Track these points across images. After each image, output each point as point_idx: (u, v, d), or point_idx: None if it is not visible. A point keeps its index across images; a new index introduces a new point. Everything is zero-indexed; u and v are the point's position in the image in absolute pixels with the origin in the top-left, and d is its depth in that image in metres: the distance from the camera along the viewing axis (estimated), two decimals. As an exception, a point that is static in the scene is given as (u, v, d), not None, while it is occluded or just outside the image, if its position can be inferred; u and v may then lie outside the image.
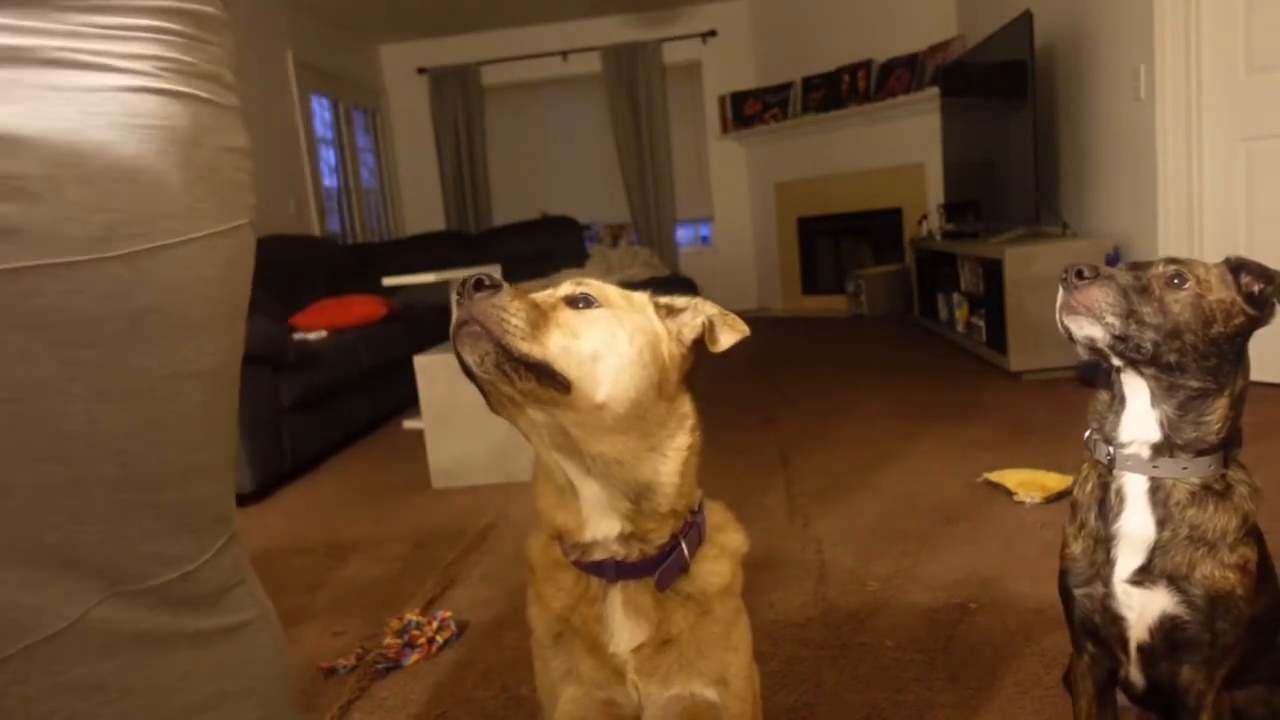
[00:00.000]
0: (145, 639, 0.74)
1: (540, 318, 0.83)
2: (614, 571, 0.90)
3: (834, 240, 6.89)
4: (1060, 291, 1.05)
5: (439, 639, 1.80)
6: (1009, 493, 2.36)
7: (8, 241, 0.62)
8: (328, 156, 6.42)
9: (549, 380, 0.81)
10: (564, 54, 7.06)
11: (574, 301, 0.88)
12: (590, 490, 0.88)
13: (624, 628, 0.91)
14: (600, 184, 7.38)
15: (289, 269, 4.74)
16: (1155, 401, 1.00)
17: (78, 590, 0.70)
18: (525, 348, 0.79)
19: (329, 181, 6.38)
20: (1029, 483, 2.36)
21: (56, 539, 0.69)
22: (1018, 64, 3.98)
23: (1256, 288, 0.98)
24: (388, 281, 3.76)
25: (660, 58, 7.05)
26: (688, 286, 5.76)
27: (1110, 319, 0.98)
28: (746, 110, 6.88)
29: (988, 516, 2.25)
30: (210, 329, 0.75)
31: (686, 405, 0.92)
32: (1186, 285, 0.97)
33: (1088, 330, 1.00)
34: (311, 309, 4.28)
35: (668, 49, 7.06)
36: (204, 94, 0.72)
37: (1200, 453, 1.00)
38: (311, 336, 3.97)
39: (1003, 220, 4.32)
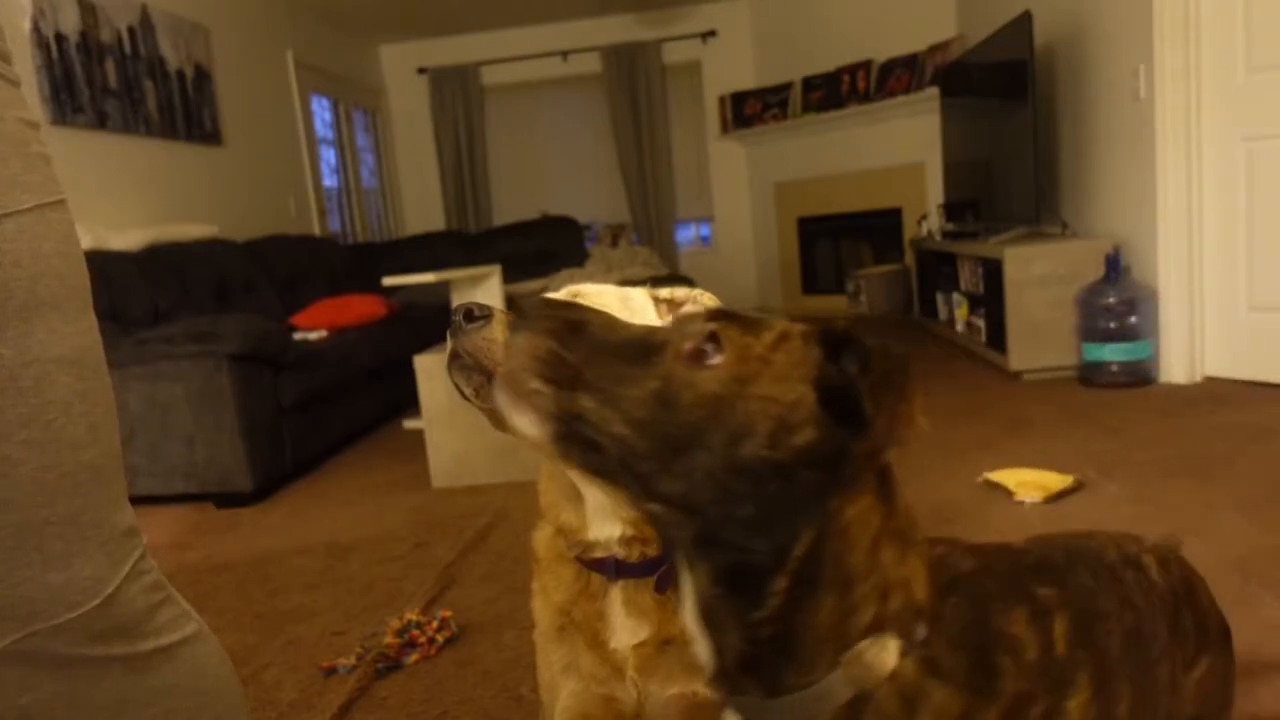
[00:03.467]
0: (70, 668, 0.68)
1: None
2: (614, 570, 0.90)
3: (834, 240, 6.89)
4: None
5: (439, 639, 1.80)
6: (1009, 493, 2.36)
7: None
8: (328, 156, 6.42)
9: None
10: (564, 54, 7.06)
11: None
12: (596, 497, 0.89)
13: (624, 625, 0.91)
14: (600, 184, 7.38)
15: (289, 269, 4.75)
16: (689, 572, 0.62)
17: None
18: None
19: (329, 181, 6.38)
20: (1029, 483, 2.36)
21: None
22: (1017, 64, 3.98)
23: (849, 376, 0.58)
24: (388, 281, 3.75)
25: (660, 58, 7.05)
26: (687, 286, 5.76)
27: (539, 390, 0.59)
28: (746, 110, 6.88)
29: (988, 516, 2.25)
30: (60, 309, 0.70)
31: None
32: (715, 359, 0.58)
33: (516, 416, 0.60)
34: (311, 309, 4.28)
35: (668, 49, 7.06)
36: (1, 71, 0.71)
37: (774, 685, 0.61)
38: (311, 336, 3.97)
39: (1003, 220, 4.32)
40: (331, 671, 1.73)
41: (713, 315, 0.61)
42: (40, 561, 0.66)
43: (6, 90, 0.70)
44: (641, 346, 0.60)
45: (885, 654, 0.60)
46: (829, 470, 0.57)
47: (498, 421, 0.84)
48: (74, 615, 0.68)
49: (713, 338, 0.58)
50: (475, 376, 0.81)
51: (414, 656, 1.75)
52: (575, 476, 0.88)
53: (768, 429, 0.56)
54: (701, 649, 0.64)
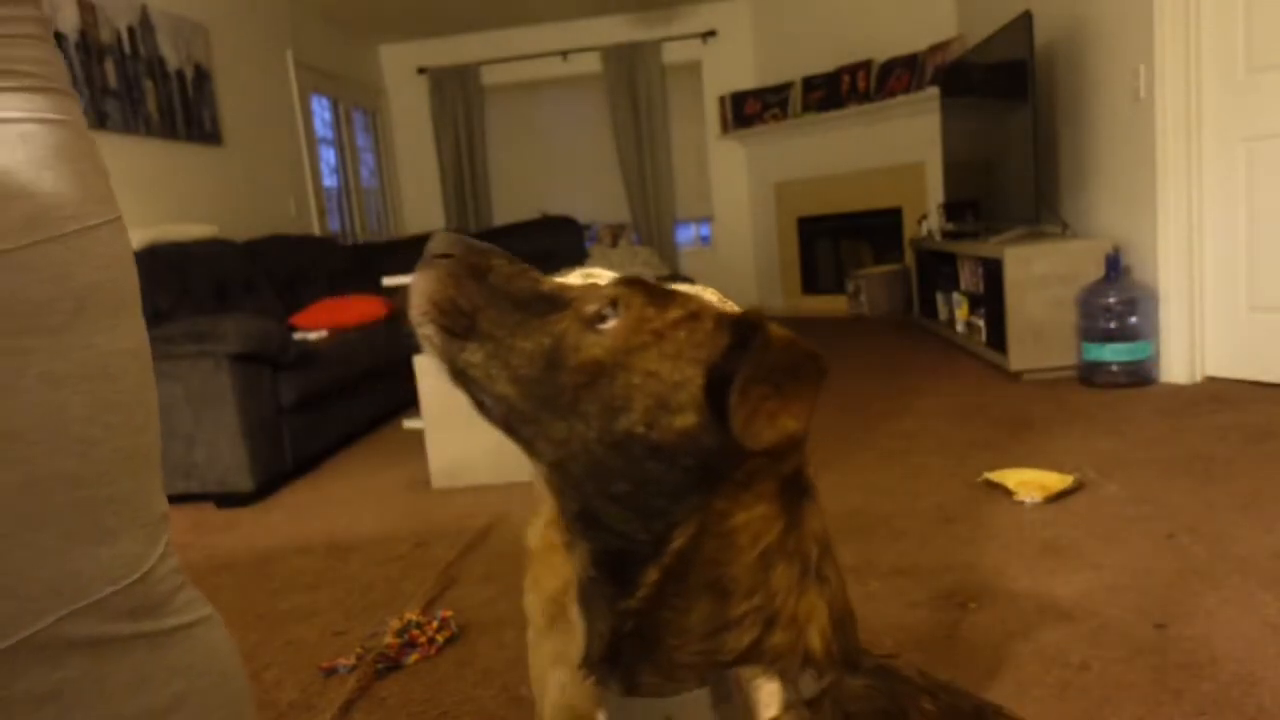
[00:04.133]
0: (101, 646, 0.71)
1: None
2: None
3: (834, 240, 6.89)
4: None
5: (439, 639, 1.80)
6: (1009, 493, 2.36)
7: None
8: (328, 156, 6.42)
9: None
10: (564, 54, 7.06)
11: None
12: None
13: None
14: (600, 184, 7.38)
15: (289, 269, 4.74)
16: (574, 551, 0.60)
17: (28, 610, 0.67)
18: None
19: (329, 181, 6.38)
20: (1029, 483, 2.36)
21: (4, 549, 0.66)
22: (1017, 64, 3.98)
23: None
24: (388, 281, 3.75)
25: (660, 58, 7.05)
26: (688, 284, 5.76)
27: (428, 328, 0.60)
28: (746, 110, 6.88)
29: (988, 516, 2.25)
30: (133, 307, 0.77)
31: None
32: (609, 322, 0.56)
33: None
34: (311, 309, 4.28)
35: (668, 49, 7.05)
36: (70, 90, 0.75)
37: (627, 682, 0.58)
38: (311, 336, 3.97)
39: (1003, 220, 4.32)
40: (331, 671, 1.73)
41: (623, 281, 0.58)
42: (96, 538, 0.71)
43: (77, 105, 0.75)
44: (545, 300, 0.58)
45: (764, 697, 0.54)
46: (711, 464, 0.53)
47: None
48: (114, 590, 0.72)
49: (614, 302, 0.55)
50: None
51: (414, 656, 1.75)
52: None
53: (644, 405, 0.53)
54: (578, 633, 0.61)
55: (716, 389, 0.53)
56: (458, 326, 0.57)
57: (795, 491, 0.57)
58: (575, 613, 0.62)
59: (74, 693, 0.70)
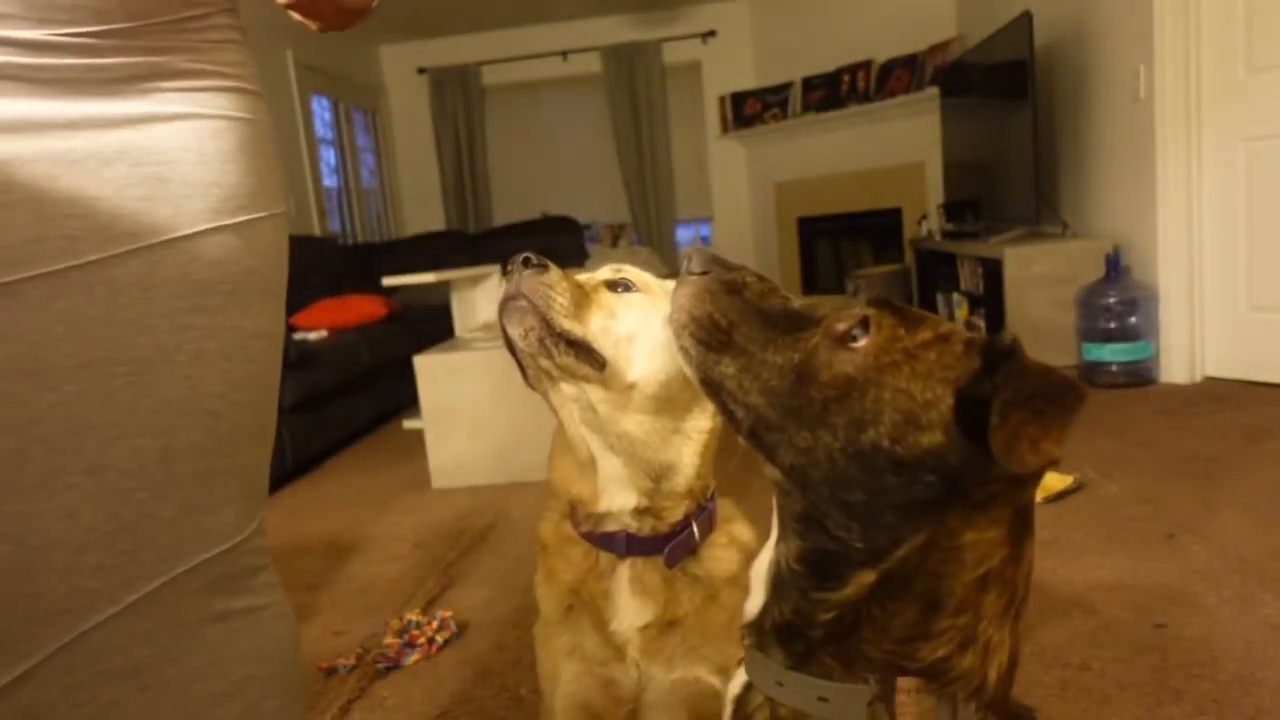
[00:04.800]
0: (182, 624, 0.74)
1: (583, 298, 0.88)
2: (624, 546, 0.91)
3: (834, 240, 6.89)
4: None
5: (439, 639, 1.80)
6: (1009, 493, 2.36)
7: (138, 222, 0.68)
8: (328, 156, 6.42)
9: (587, 357, 0.85)
10: (564, 54, 7.05)
11: (614, 286, 0.92)
12: (612, 466, 0.90)
13: (629, 605, 0.92)
14: (600, 184, 7.37)
15: (289, 269, 4.73)
16: (781, 541, 0.63)
17: (140, 575, 0.70)
18: (568, 325, 0.84)
19: (329, 181, 6.38)
20: (1029, 483, 2.36)
21: (133, 517, 0.69)
22: (1018, 64, 3.98)
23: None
24: (388, 281, 3.75)
25: (660, 58, 7.04)
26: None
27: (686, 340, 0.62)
28: (746, 110, 6.88)
29: (988, 516, 2.25)
30: (278, 296, 0.83)
31: None
32: (861, 341, 0.58)
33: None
34: (311, 309, 4.28)
35: (668, 49, 7.05)
36: (260, 90, 0.82)
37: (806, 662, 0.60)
38: (311, 336, 3.97)
39: (1003, 220, 4.32)
40: (331, 671, 1.73)
41: (874, 301, 0.60)
42: (203, 506, 0.74)
43: (264, 104, 0.82)
44: (795, 317, 0.61)
45: (918, 711, 0.56)
46: (952, 482, 0.55)
47: (533, 375, 0.89)
48: (206, 557, 0.74)
49: (864, 322, 0.58)
50: (527, 319, 0.85)
51: (414, 657, 1.75)
52: (595, 446, 0.90)
53: (893, 420, 0.55)
54: (754, 600, 0.65)
55: (965, 411, 0.55)
56: (714, 341, 0.61)
57: (1023, 523, 0.58)
58: (757, 581, 0.65)
59: (150, 671, 0.72)
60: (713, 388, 0.62)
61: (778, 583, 0.62)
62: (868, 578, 0.57)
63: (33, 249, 0.64)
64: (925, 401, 0.55)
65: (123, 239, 0.68)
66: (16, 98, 0.64)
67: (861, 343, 0.57)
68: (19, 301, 0.63)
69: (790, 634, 0.61)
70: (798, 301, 0.63)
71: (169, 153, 0.71)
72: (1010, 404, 0.51)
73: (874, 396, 0.56)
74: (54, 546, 0.66)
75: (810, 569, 0.59)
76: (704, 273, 0.64)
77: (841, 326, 0.58)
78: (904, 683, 0.57)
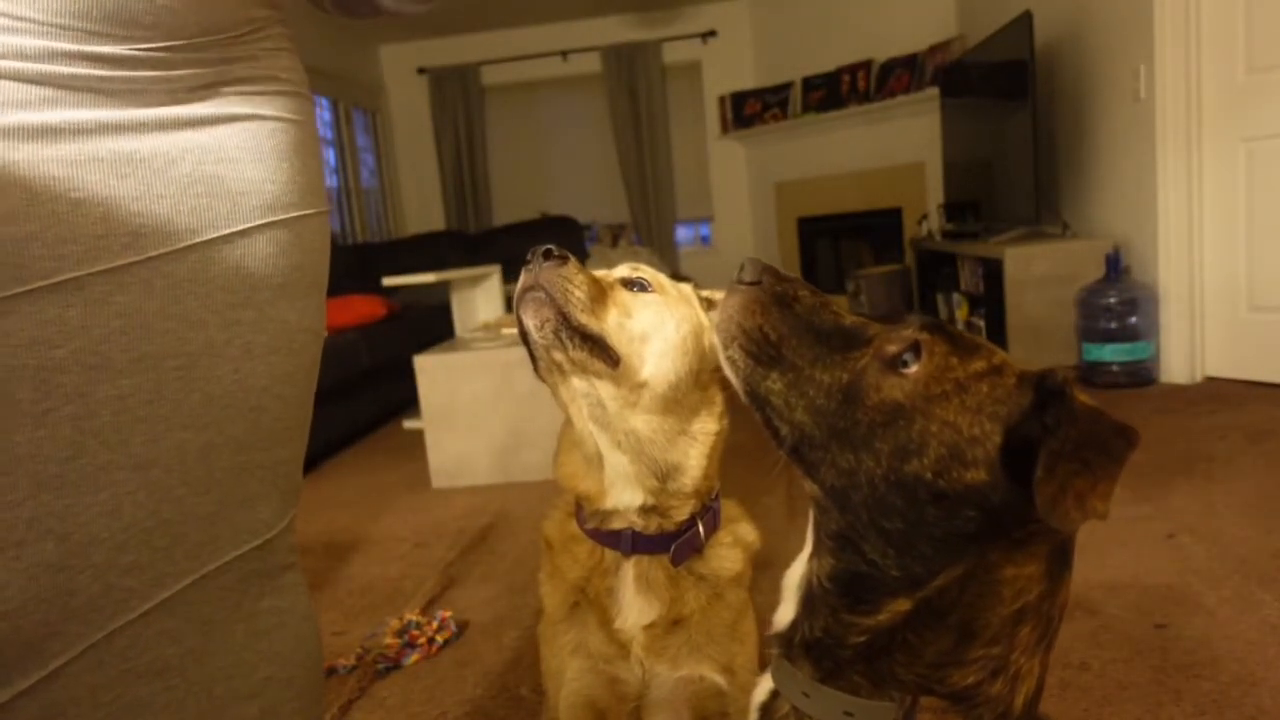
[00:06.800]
0: (212, 621, 0.74)
1: (600, 294, 0.88)
2: (630, 544, 0.91)
3: (834, 240, 6.89)
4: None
5: (439, 639, 1.80)
6: (1009, 493, 2.36)
7: (198, 218, 0.70)
8: (328, 156, 6.42)
9: (600, 353, 0.85)
10: (564, 54, 7.06)
11: (630, 284, 0.93)
12: (619, 463, 0.90)
13: (634, 603, 0.92)
14: (600, 184, 7.38)
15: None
16: (815, 549, 0.63)
17: (172, 572, 0.70)
18: (584, 319, 0.85)
19: (329, 181, 6.38)
20: (1029, 483, 2.36)
21: (172, 513, 0.69)
22: (1018, 64, 3.98)
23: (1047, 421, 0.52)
24: (388, 281, 3.75)
25: (660, 58, 7.04)
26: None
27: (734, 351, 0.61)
28: (746, 110, 6.88)
29: (988, 516, 2.25)
30: (321, 289, 0.84)
31: (718, 394, 0.96)
32: (912, 368, 0.56)
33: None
34: (311, 309, 4.27)
35: (668, 49, 7.05)
36: (308, 94, 0.84)
37: (835, 678, 0.60)
38: (311, 336, 3.96)
39: (1003, 220, 4.32)
40: (331, 671, 1.73)
41: (928, 325, 0.58)
42: (240, 501, 0.74)
43: (312, 106, 0.85)
44: (846, 335, 0.60)
45: None
46: (993, 519, 0.53)
47: (545, 368, 0.89)
48: (238, 553, 0.74)
49: (915, 347, 0.56)
50: (544, 310, 0.85)
51: (414, 657, 1.75)
52: (603, 443, 0.90)
53: (937, 454, 0.53)
54: (784, 612, 0.64)
55: (1013, 449, 0.53)
56: (763, 354, 0.60)
57: (1062, 559, 0.58)
58: (788, 590, 0.65)
59: (178, 670, 0.72)
60: (758, 402, 0.60)
61: (809, 598, 0.62)
62: (903, 605, 0.56)
63: (100, 245, 0.65)
64: (972, 437, 0.53)
65: (183, 235, 0.69)
66: (89, 108, 0.65)
67: (913, 369, 0.55)
68: (83, 296, 0.64)
69: (820, 651, 0.60)
70: (849, 318, 0.62)
71: (229, 151, 0.73)
72: (1057, 455, 0.49)
73: (920, 427, 0.54)
74: (95, 543, 0.66)
75: (842, 589, 0.59)
76: (755, 282, 0.63)
77: (892, 349, 0.57)
78: (929, 703, 0.57)
